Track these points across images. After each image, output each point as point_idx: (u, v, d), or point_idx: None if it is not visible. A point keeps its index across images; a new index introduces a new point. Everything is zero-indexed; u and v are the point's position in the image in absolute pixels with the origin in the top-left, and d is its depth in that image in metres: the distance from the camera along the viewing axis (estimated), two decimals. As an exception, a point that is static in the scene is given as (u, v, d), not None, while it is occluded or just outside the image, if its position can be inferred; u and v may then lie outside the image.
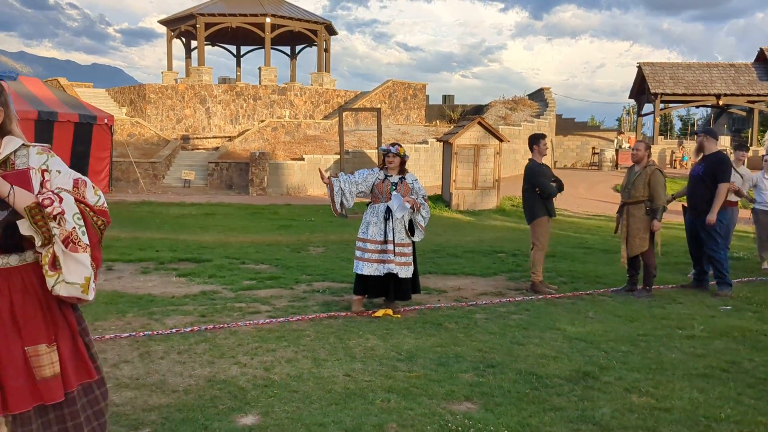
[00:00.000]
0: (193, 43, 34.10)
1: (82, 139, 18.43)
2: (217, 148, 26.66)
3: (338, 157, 21.70)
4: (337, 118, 22.31)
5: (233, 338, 5.47)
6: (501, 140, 18.19)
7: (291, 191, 22.28)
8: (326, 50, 34.37)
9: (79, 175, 2.13)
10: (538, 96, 33.95)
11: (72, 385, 2.06)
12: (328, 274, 8.47)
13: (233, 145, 25.51)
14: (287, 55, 37.74)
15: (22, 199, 1.92)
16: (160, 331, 5.59)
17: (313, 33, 33.44)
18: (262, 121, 27.82)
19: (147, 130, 26.54)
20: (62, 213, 1.95)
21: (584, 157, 33.93)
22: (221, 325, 5.83)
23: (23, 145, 2.08)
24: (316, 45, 34.21)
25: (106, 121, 19.23)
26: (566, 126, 34.29)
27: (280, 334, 5.64)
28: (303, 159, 22.93)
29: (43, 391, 1.98)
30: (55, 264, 1.98)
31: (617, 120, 43.79)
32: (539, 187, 7.78)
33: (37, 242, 1.96)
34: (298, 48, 37.31)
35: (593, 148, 33.38)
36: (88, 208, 2.07)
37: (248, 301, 6.90)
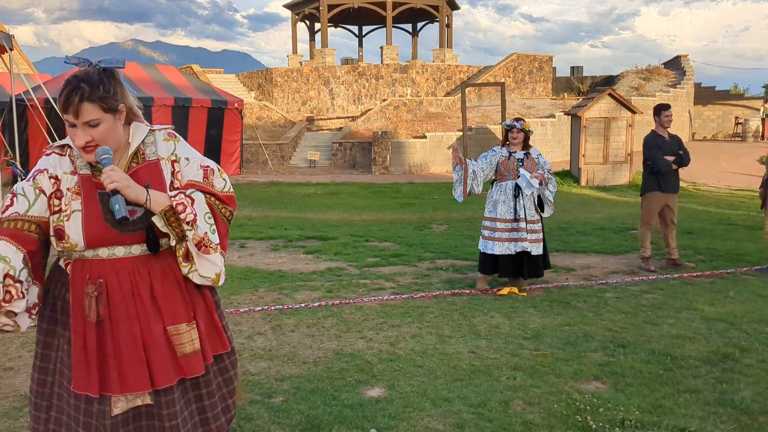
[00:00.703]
0: (317, 26, 34.83)
1: (215, 124, 19.36)
2: (341, 128, 27.20)
3: (461, 133, 21.53)
4: (460, 95, 22.10)
5: (359, 313, 5.59)
6: (633, 112, 17.33)
7: (413, 169, 22.37)
8: (448, 26, 34.03)
9: (207, 161, 2.21)
10: (675, 64, 31.95)
11: (209, 358, 2.20)
12: (451, 252, 8.46)
13: (356, 125, 25.93)
14: (409, 32, 37.75)
15: (157, 203, 2.03)
16: (290, 306, 5.81)
17: (435, 9, 33.18)
18: (384, 100, 28.05)
19: (274, 113, 27.49)
20: (194, 219, 2.05)
21: (726, 128, 31.66)
22: (347, 301, 5.98)
23: (150, 130, 2.18)
24: (437, 21, 33.95)
25: (236, 105, 20.08)
26: (706, 95, 32.08)
27: (404, 310, 5.71)
28: (425, 137, 22.93)
29: (184, 366, 2.12)
30: (188, 257, 2.10)
31: (764, 87, 40.39)
32: (649, 161, 7.44)
33: (172, 241, 2.09)
34: (419, 25, 37.19)
35: (736, 118, 31.04)
36: (216, 200, 2.17)
37: (373, 277, 7.03)
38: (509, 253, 6.31)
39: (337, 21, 36.31)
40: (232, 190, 2.25)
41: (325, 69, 30.19)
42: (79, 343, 2.04)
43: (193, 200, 2.07)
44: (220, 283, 2.18)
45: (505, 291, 6.34)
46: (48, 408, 2.14)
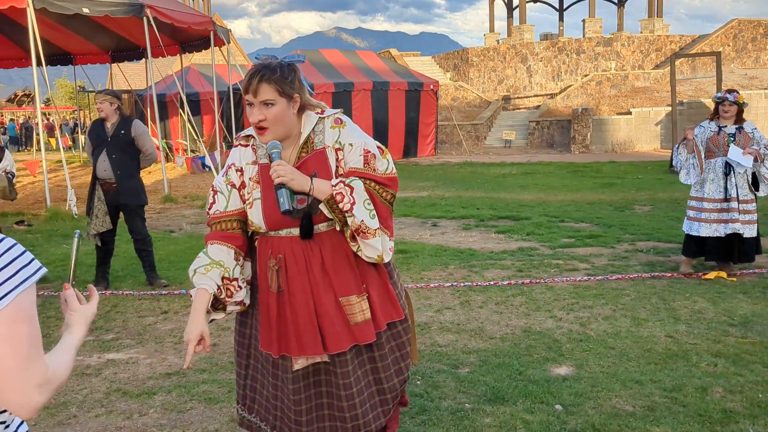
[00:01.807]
0: (515, 2, 34.20)
1: (412, 106, 19.87)
2: (538, 106, 26.60)
3: (670, 108, 20.11)
4: (669, 67, 20.61)
5: (549, 293, 5.52)
6: None
7: (616, 148, 21.33)
8: (657, -7, 31.78)
9: (370, 145, 2.34)
10: None
11: (381, 326, 2.37)
12: (653, 234, 8.00)
13: (554, 103, 25.22)
14: (614, 3, 35.74)
15: (320, 191, 2.23)
16: (479, 283, 5.88)
17: (642, -23, 31.13)
18: (586, 75, 26.94)
19: (469, 93, 27.54)
20: (352, 208, 2.22)
21: None
22: (538, 280, 5.92)
23: (320, 118, 2.36)
24: (645, -11, 31.83)
25: (432, 87, 20.41)
26: None
27: (597, 291, 5.54)
28: (630, 113, 21.74)
29: (356, 333, 2.31)
30: (354, 237, 2.29)
31: None
32: None
33: (336, 226, 2.29)
34: (625, -6, 35.11)
35: None
36: (376, 184, 2.31)
37: (566, 258, 6.87)
38: (718, 235, 5.86)
39: (536, -4, 35.37)
40: (394, 171, 2.37)
41: (523, 46, 29.59)
42: (264, 309, 2.33)
43: (352, 188, 2.23)
44: (386, 259, 2.34)
45: (711, 275, 5.90)
46: (247, 357, 2.47)
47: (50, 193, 10.73)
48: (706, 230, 5.90)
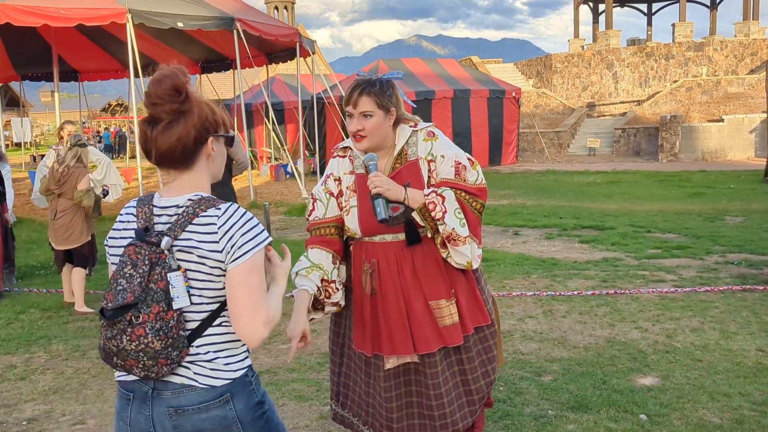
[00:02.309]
0: (601, 7, 33.51)
1: (494, 113, 19.79)
2: (624, 113, 25.94)
3: (765, 116, 19.25)
4: (765, 72, 19.73)
5: (635, 304, 5.45)
6: None
7: (707, 156, 20.58)
8: (753, -5, 30.44)
9: (461, 156, 2.47)
10: None
11: (468, 330, 2.49)
12: (745, 246, 7.73)
13: (641, 110, 24.54)
14: (706, 6, 34.49)
15: (414, 200, 2.37)
16: (562, 293, 5.86)
17: (736, -22, 29.91)
18: (675, 81, 26.09)
19: (552, 100, 27.14)
20: (443, 216, 2.35)
21: None
22: (623, 291, 5.84)
23: (413, 131, 2.49)
24: (739, -9, 30.55)
25: (513, 94, 20.26)
26: None
27: (685, 303, 5.43)
28: (722, 120, 20.93)
29: (445, 336, 2.44)
30: (444, 244, 2.42)
31: None
32: None
33: (428, 233, 2.43)
34: (718, -3, 33.80)
35: None
36: (466, 194, 2.43)
37: (652, 269, 6.74)
38: (815, 247, 5.63)
39: (623, 0, 34.54)
40: (484, 182, 2.48)
41: (609, 52, 28.93)
42: (358, 310, 2.48)
43: (443, 198, 2.35)
44: (474, 265, 2.44)
45: (808, 290, 5.68)
46: (341, 355, 2.63)
47: (146, 199, 11.27)
48: (803, 243, 5.69)
